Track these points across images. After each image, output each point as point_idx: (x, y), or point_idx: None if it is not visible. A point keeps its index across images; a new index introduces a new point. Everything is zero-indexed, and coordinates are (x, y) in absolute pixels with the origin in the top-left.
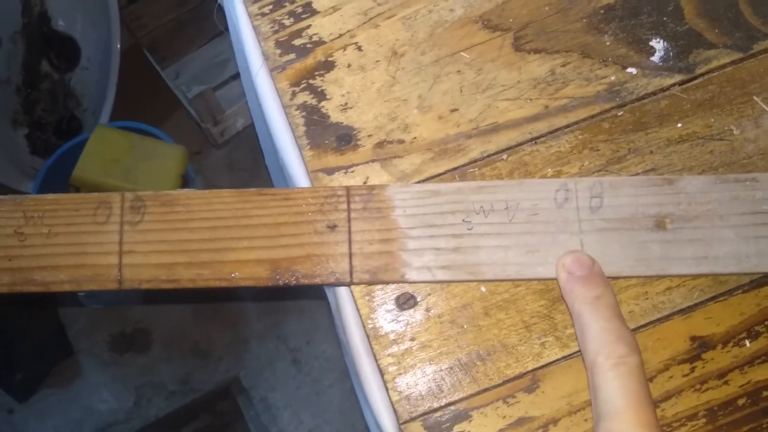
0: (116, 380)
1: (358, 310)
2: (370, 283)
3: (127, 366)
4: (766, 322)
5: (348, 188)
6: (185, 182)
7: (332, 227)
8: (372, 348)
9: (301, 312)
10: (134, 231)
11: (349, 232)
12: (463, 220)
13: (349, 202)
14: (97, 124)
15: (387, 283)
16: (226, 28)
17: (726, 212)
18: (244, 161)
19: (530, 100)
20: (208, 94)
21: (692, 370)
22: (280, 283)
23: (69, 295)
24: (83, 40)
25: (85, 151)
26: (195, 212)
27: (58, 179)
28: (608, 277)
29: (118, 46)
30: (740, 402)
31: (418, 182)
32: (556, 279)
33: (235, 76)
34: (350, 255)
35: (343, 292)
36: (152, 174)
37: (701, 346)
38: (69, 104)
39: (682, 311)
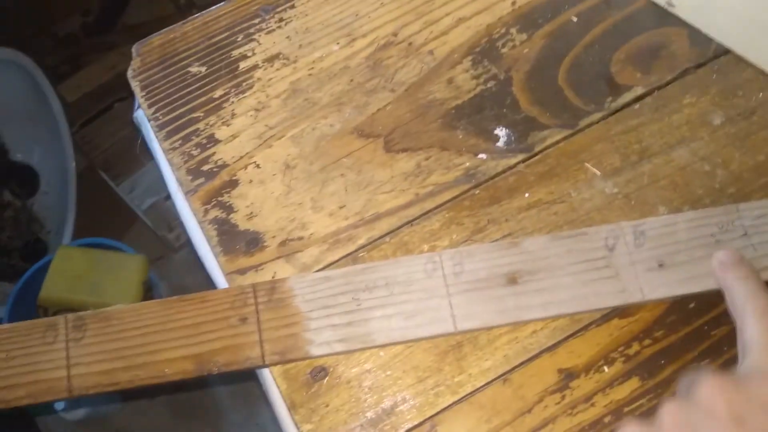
0: None
1: (278, 387)
2: (280, 363)
3: None
4: (618, 349)
5: (254, 285)
6: (148, 288)
7: (243, 320)
8: (293, 418)
9: None
10: (78, 346)
11: (258, 321)
12: (352, 298)
13: (256, 297)
14: (60, 244)
15: (295, 360)
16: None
17: (564, 263)
18: None
19: (403, 190)
20: (160, 204)
21: (563, 398)
22: (205, 373)
23: (47, 407)
24: (41, 166)
25: (50, 273)
26: (127, 323)
27: (29, 301)
28: (474, 330)
29: (74, 169)
30: (606, 419)
31: (316, 271)
32: (434, 337)
33: None
34: (261, 342)
35: (266, 373)
36: (116, 285)
37: (567, 376)
38: (33, 228)
39: (548, 349)
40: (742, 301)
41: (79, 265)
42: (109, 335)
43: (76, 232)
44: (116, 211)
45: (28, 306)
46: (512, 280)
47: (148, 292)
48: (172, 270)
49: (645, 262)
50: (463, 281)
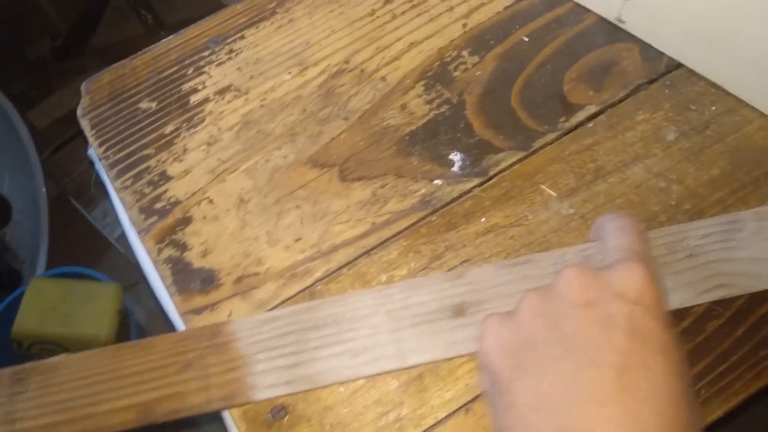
0: None
1: (237, 428)
2: (226, 408)
3: None
4: None
5: (197, 329)
6: (124, 316)
7: (188, 365)
8: None
9: None
10: (21, 400)
11: (202, 367)
12: (299, 338)
13: (199, 342)
14: (34, 273)
15: (240, 405)
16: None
17: (512, 291)
18: None
19: (359, 220)
20: None
21: None
22: (151, 422)
23: None
24: (12, 196)
25: (22, 306)
26: (70, 374)
27: (4, 333)
28: (423, 364)
29: (45, 195)
30: None
31: (272, 307)
32: (383, 374)
33: None
34: (206, 387)
35: (225, 414)
36: (91, 315)
37: None
38: (6, 259)
39: None
40: (603, 223)
41: (52, 297)
42: (52, 387)
43: (50, 261)
44: (90, 238)
45: (3, 339)
46: (460, 311)
47: (125, 320)
48: (148, 295)
49: None
50: (411, 315)
